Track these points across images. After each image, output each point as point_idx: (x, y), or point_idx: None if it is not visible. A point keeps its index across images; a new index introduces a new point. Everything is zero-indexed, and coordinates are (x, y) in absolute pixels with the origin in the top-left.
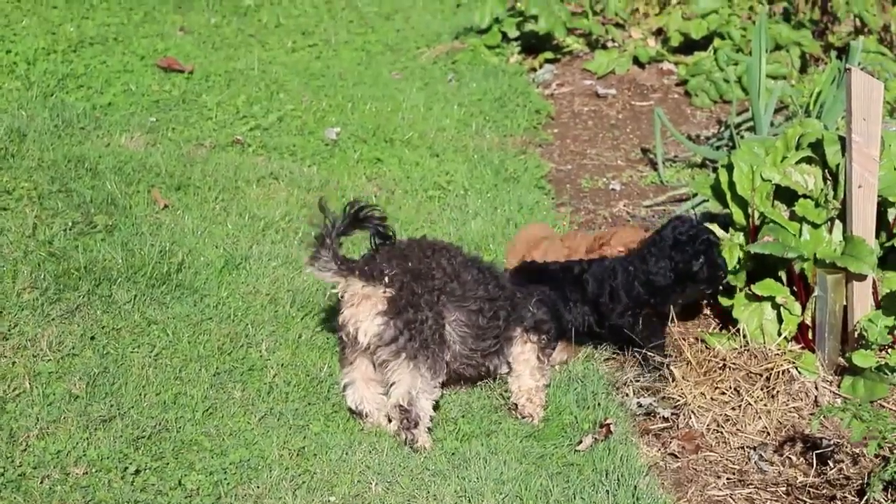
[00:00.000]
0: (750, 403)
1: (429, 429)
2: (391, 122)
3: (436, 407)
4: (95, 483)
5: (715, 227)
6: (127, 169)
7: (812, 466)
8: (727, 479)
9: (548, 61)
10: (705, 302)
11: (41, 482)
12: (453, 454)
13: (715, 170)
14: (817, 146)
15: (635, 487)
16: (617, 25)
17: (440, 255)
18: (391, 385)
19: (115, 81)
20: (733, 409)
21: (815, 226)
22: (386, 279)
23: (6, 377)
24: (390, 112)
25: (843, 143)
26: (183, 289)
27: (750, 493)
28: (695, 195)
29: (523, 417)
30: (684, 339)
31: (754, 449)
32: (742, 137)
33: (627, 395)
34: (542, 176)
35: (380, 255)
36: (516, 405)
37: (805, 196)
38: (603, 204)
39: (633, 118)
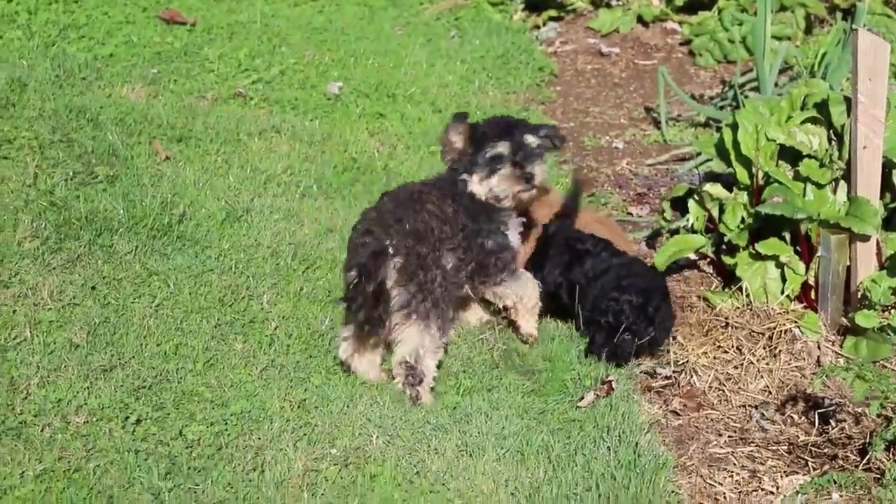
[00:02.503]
0: (752, 362)
1: (431, 387)
2: (393, 78)
3: (438, 365)
4: (96, 432)
5: (718, 187)
6: (128, 120)
7: (814, 426)
8: (728, 437)
9: (551, 19)
10: (707, 261)
11: (42, 430)
12: (454, 408)
13: (718, 130)
14: (822, 106)
15: (636, 444)
16: None
17: (426, 202)
18: (398, 343)
19: (117, 32)
20: (735, 367)
21: (820, 186)
22: (391, 249)
23: (7, 325)
24: (393, 67)
25: (849, 103)
26: (184, 240)
27: (751, 451)
28: (698, 154)
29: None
30: (686, 298)
31: (756, 407)
32: (746, 98)
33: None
34: None
35: (373, 221)
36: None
37: (810, 156)
38: (605, 162)
39: (637, 77)
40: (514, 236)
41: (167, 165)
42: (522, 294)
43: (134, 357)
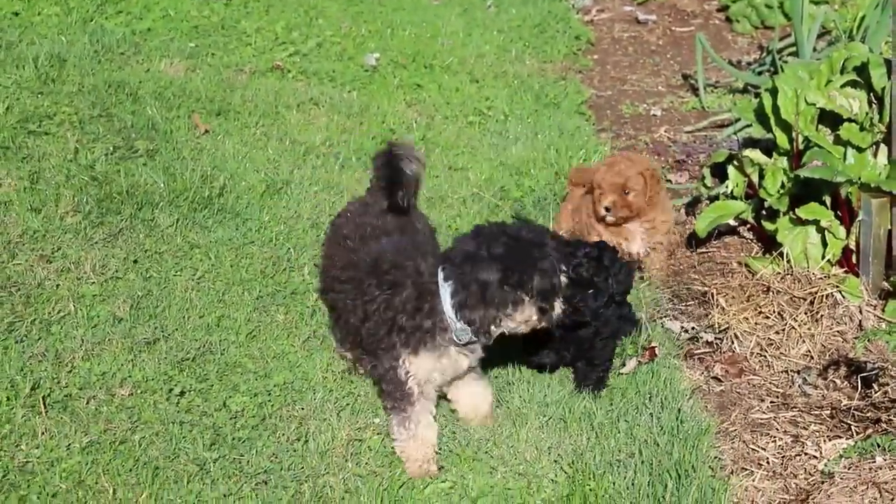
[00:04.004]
0: (793, 327)
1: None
2: (430, 48)
3: None
4: (141, 404)
5: (758, 153)
6: (167, 94)
7: (856, 390)
8: (771, 402)
9: None
10: (748, 226)
11: (87, 403)
12: (496, 378)
13: (757, 95)
14: (862, 70)
15: (679, 410)
16: None
17: None
18: None
19: (154, 7)
20: (777, 332)
21: (860, 150)
22: None
23: (51, 300)
24: (429, 38)
25: (889, 66)
26: (225, 213)
27: (794, 416)
28: (737, 120)
29: None
30: (727, 264)
31: (798, 372)
32: (784, 63)
33: (672, 319)
34: (582, 102)
35: None
36: None
37: (850, 120)
38: (644, 130)
39: (674, 44)
40: None
41: (206, 139)
42: None
43: (177, 329)
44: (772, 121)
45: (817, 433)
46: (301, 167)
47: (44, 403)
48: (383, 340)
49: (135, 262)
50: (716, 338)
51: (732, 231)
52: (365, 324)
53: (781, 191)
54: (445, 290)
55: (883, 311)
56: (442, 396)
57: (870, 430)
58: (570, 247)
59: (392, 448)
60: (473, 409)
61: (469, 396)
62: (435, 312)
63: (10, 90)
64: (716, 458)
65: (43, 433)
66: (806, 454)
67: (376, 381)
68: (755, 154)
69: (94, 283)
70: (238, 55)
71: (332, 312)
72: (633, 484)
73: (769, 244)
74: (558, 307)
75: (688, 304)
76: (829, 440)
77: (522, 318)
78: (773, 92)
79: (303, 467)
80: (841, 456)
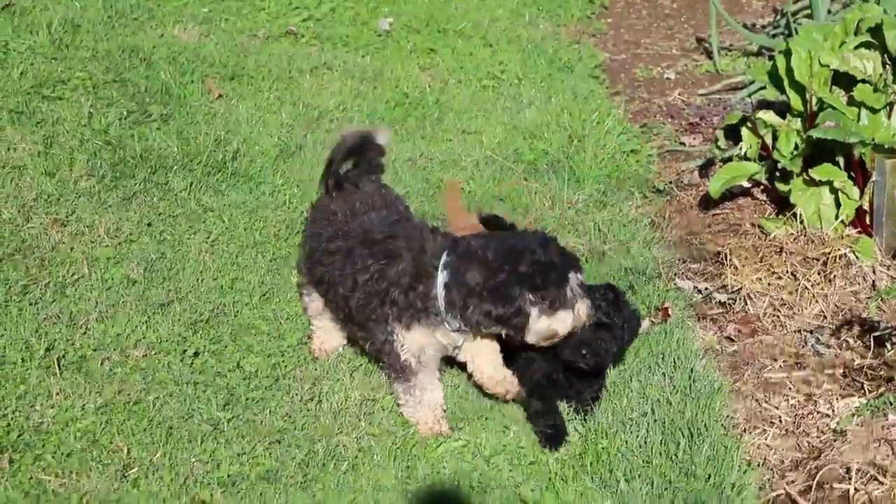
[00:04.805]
0: (807, 287)
1: None
2: (444, 13)
3: None
4: (155, 365)
5: (771, 114)
6: (181, 59)
7: (869, 349)
8: (783, 361)
9: None
10: (761, 188)
11: (101, 364)
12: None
13: (771, 58)
14: (876, 31)
15: (692, 370)
16: None
17: None
18: None
19: None
20: (790, 293)
21: (874, 111)
22: None
23: (65, 262)
24: (443, 2)
25: None
26: (238, 176)
27: (806, 375)
28: (751, 83)
29: None
30: (740, 225)
31: (811, 332)
32: (799, 25)
33: (684, 280)
34: (596, 65)
35: None
36: None
37: (863, 81)
38: (657, 93)
39: (688, 7)
40: None
41: (220, 103)
42: None
43: (190, 292)
44: (785, 83)
45: (830, 392)
46: (314, 131)
47: (58, 365)
48: (375, 312)
49: (148, 225)
50: (729, 298)
51: (746, 192)
52: (354, 293)
53: (795, 152)
54: (441, 279)
55: None
56: (452, 361)
57: (882, 389)
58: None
59: None
60: (484, 373)
61: (480, 362)
62: (428, 297)
63: (25, 55)
64: (728, 416)
65: (57, 394)
66: (818, 412)
67: (373, 354)
68: (769, 116)
69: (108, 246)
70: (252, 20)
71: (319, 288)
72: (645, 442)
73: (782, 205)
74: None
75: (701, 264)
76: (842, 399)
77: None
78: (787, 54)
79: (316, 427)
80: (853, 414)
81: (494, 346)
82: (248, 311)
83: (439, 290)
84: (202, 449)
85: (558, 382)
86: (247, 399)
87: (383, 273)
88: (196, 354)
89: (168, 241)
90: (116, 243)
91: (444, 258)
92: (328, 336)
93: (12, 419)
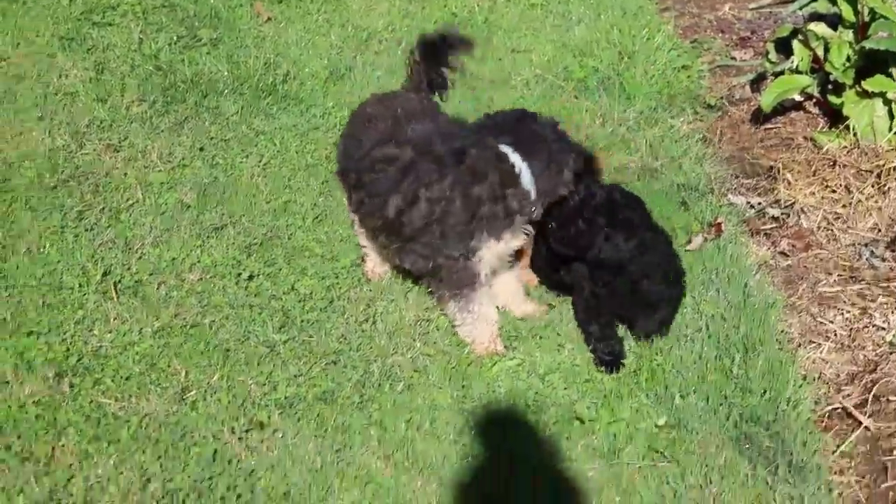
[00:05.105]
0: (860, 200)
1: None
2: None
3: None
4: (210, 288)
5: (823, 26)
6: None
7: None
8: (838, 275)
9: None
10: (813, 101)
11: (157, 288)
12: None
13: None
14: None
15: (746, 285)
16: None
17: None
18: None
19: None
20: (844, 206)
21: None
22: None
23: (119, 188)
24: None
25: None
26: (289, 99)
27: (861, 289)
28: None
29: None
30: (793, 139)
31: (865, 245)
32: None
33: (737, 195)
34: None
35: None
36: None
37: None
38: (707, 8)
39: None
40: None
41: (269, 27)
42: None
43: (244, 215)
44: None
45: (885, 305)
46: (363, 52)
47: (115, 289)
48: (454, 228)
49: (201, 149)
50: (782, 213)
51: (798, 106)
52: (414, 207)
53: (847, 64)
54: (526, 169)
55: None
56: None
57: None
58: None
59: None
60: (514, 296)
61: (508, 286)
62: (519, 193)
63: None
64: (783, 331)
65: (115, 318)
66: (874, 325)
67: (429, 272)
68: (820, 27)
69: (160, 171)
70: None
71: (355, 193)
72: (700, 357)
73: (835, 118)
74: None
75: (754, 179)
76: None
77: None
78: None
79: (371, 347)
80: None
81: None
82: (302, 234)
83: (527, 181)
84: (259, 371)
85: (599, 297)
86: (302, 321)
87: (467, 189)
88: (251, 277)
89: (220, 165)
90: (169, 168)
91: (513, 154)
92: (381, 258)
93: (71, 344)
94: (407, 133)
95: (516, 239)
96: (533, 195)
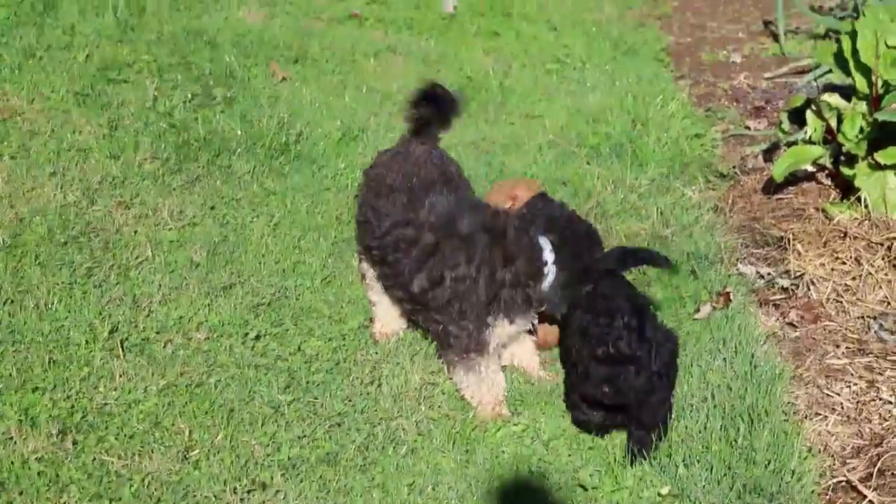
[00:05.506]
0: (870, 273)
1: None
2: None
3: None
4: (217, 348)
5: (836, 97)
6: (245, 42)
7: None
8: (846, 348)
9: None
10: (825, 172)
11: (164, 346)
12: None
13: (837, 41)
14: None
15: (753, 355)
16: None
17: None
18: None
19: None
20: (853, 278)
21: None
22: None
23: (129, 245)
24: None
25: None
26: (301, 159)
27: (869, 362)
28: (817, 66)
29: None
30: (804, 210)
31: (874, 318)
32: (866, 7)
33: (746, 265)
34: (661, 48)
35: None
36: None
37: None
38: (723, 77)
39: None
40: None
41: (284, 86)
42: None
43: (253, 275)
44: (851, 65)
45: (893, 378)
46: (377, 114)
47: (122, 347)
48: (475, 307)
49: (212, 208)
50: (792, 284)
51: (810, 177)
52: (439, 287)
53: (860, 135)
54: (553, 274)
55: None
56: None
57: None
58: (607, 315)
59: None
60: (529, 363)
61: (524, 354)
62: (537, 290)
63: (91, 38)
64: (789, 402)
65: (121, 376)
66: (881, 399)
67: (441, 335)
68: (834, 98)
69: (171, 228)
70: (316, 3)
71: (381, 268)
72: (705, 427)
73: (847, 189)
74: None
75: (764, 249)
76: None
77: None
78: (853, 35)
79: (376, 410)
80: None
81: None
82: (310, 295)
83: (548, 287)
84: (263, 431)
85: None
86: (307, 382)
87: (493, 272)
88: (258, 337)
89: (231, 225)
90: (180, 226)
91: (549, 253)
92: (389, 319)
93: (76, 401)
94: (426, 209)
95: (528, 323)
96: (553, 297)
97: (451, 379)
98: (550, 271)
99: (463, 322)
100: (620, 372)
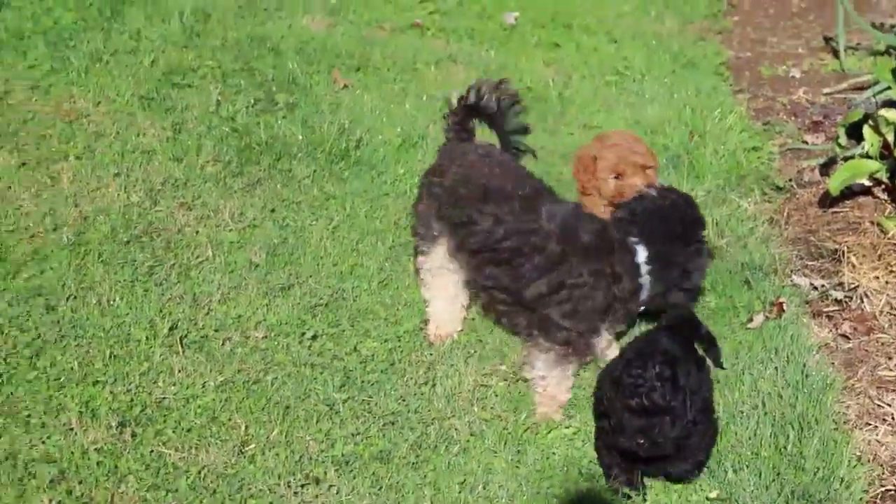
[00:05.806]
0: None
1: None
2: (570, 8)
3: None
4: (274, 346)
5: (894, 112)
6: (308, 49)
7: None
8: None
9: None
10: (882, 186)
11: (222, 344)
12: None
13: None
14: None
15: (804, 365)
16: None
17: None
18: None
19: None
20: None
21: None
22: None
23: (190, 245)
24: None
25: None
26: (361, 165)
27: None
28: (876, 82)
29: None
30: (860, 223)
31: None
32: None
33: (800, 277)
34: (720, 63)
35: None
36: None
37: None
38: (782, 91)
39: (816, 6)
40: None
41: (345, 93)
42: None
43: (311, 276)
44: None
45: None
46: (437, 122)
47: (181, 343)
48: (587, 316)
49: (272, 210)
50: (845, 296)
51: (866, 191)
52: (555, 294)
53: None
54: (646, 282)
55: None
56: None
57: None
58: (637, 365)
59: (517, 393)
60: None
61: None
62: (636, 300)
63: (156, 43)
64: (840, 412)
65: (179, 371)
66: None
67: (535, 323)
68: (892, 114)
69: (232, 230)
70: (379, 12)
71: (485, 266)
72: (755, 434)
73: None
74: None
75: (818, 261)
76: None
77: None
78: None
79: (429, 410)
80: None
81: None
82: (367, 297)
83: (644, 292)
84: (317, 428)
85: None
86: (362, 381)
87: (610, 286)
88: (314, 337)
89: (290, 227)
90: (240, 228)
91: (644, 275)
92: (444, 321)
93: (135, 395)
94: (545, 217)
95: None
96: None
97: (527, 366)
98: (645, 286)
99: (575, 321)
100: (655, 424)
